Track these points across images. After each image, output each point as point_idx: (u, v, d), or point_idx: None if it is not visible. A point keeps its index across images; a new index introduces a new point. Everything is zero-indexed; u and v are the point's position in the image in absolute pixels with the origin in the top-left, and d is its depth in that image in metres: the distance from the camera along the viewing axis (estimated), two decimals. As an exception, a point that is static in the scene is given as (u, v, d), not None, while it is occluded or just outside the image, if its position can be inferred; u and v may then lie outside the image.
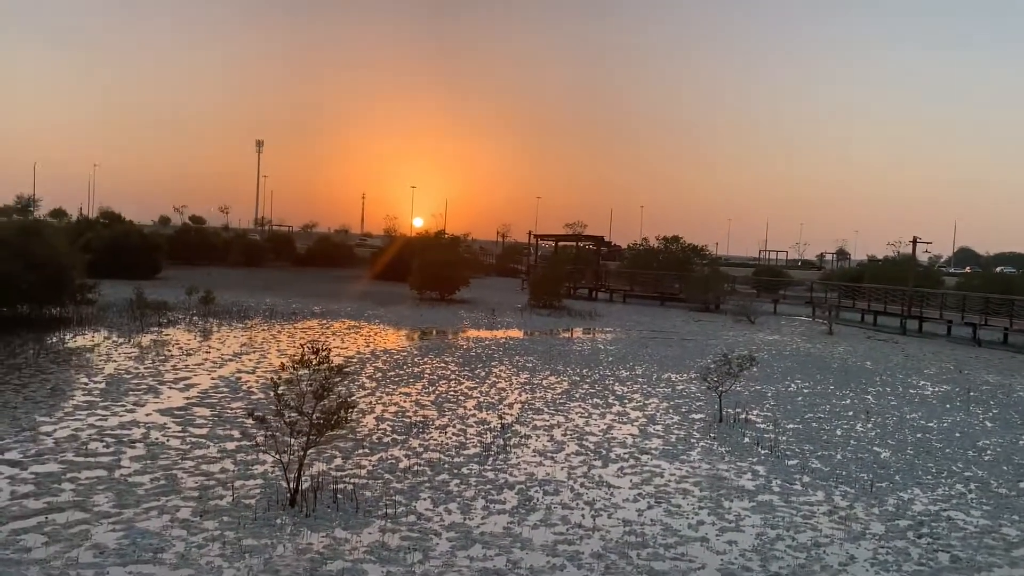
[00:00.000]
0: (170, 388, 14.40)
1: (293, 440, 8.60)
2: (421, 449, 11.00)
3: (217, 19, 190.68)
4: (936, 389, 19.32)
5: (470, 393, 15.44)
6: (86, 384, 14.29)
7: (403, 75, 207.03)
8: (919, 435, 13.75)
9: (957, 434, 14.05)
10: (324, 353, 8.45)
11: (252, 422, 9.06)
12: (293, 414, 8.29)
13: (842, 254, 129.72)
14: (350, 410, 8.60)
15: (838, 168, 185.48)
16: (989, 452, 12.77)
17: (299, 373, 8.47)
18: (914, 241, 41.58)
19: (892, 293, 40.87)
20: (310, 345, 8.64)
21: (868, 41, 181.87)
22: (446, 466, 10.21)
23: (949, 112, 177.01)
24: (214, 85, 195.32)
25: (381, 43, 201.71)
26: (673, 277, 49.55)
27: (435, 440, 11.57)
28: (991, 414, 16.30)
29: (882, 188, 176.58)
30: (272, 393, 8.53)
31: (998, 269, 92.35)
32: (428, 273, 39.90)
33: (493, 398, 15.08)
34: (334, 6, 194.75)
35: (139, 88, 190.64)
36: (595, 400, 15.43)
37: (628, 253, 64.98)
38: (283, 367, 8.55)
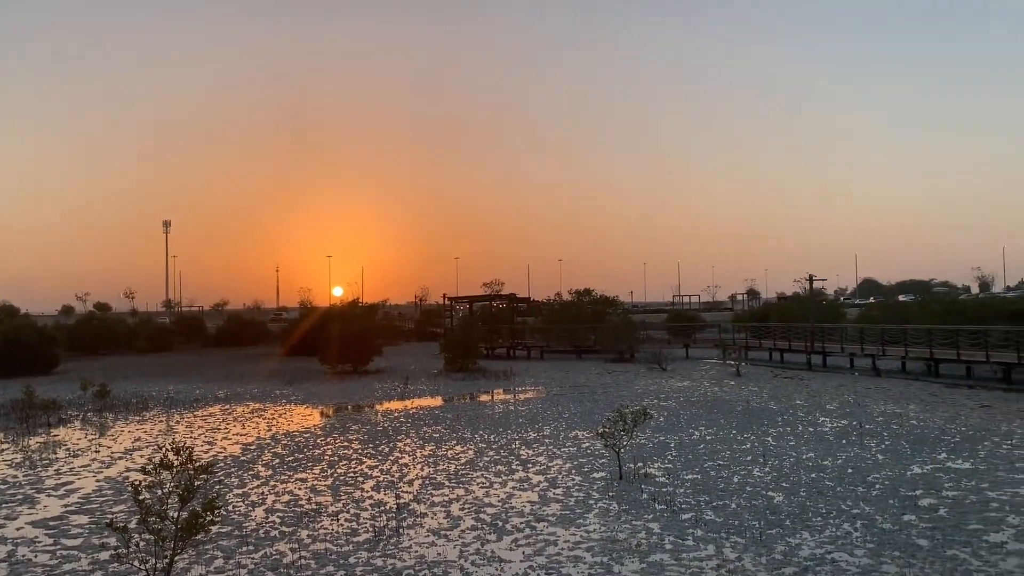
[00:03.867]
0: (48, 496, 13.65)
1: (160, 547, 8.18)
2: (309, 540, 10.62)
3: (113, 95, 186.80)
4: (834, 425, 19.84)
5: (370, 473, 15.09)
6: (-45, 500, 13.40)
7: (312, 141, 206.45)
8: (813, 475, 14.03)
9: (849, 470, 14.39)
10: (186, 453, 8.10)
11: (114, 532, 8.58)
12: (156, 520, 7.90)
13: (752, 294, 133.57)
14: (216, 511, 8.23)
15: (746, 207, 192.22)
16: (878, 486, 13.09)
17: (162, 475, 8.10)
18: (810, 278, 43.18)
19: (796, 330, 42.14)
20: (171, 445, 8.27)
21: (773, 76, 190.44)
22: (332, 557, 9.87)
23: (853, 143, 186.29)
24: (117, 164, 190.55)
25: (286, 109, 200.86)
26: (587, 329, 50.04)
27: (325, 529, 11.21)
28: (884, 446, 16.79)
29: (790, 224, 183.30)
30: (134, 500, 8.13)
31: (900, 297, 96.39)
32: (340, 345, 39.27)
33: (394, 475, 14.77)
34: (230, 75, 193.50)
35: (37, 170, 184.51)
36: (499, 467, 15.27)
37: (544, 309, 65.54)
38: (144, 471, 8.17)
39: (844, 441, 17.45)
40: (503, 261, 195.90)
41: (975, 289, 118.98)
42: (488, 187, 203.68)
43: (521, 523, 11.26)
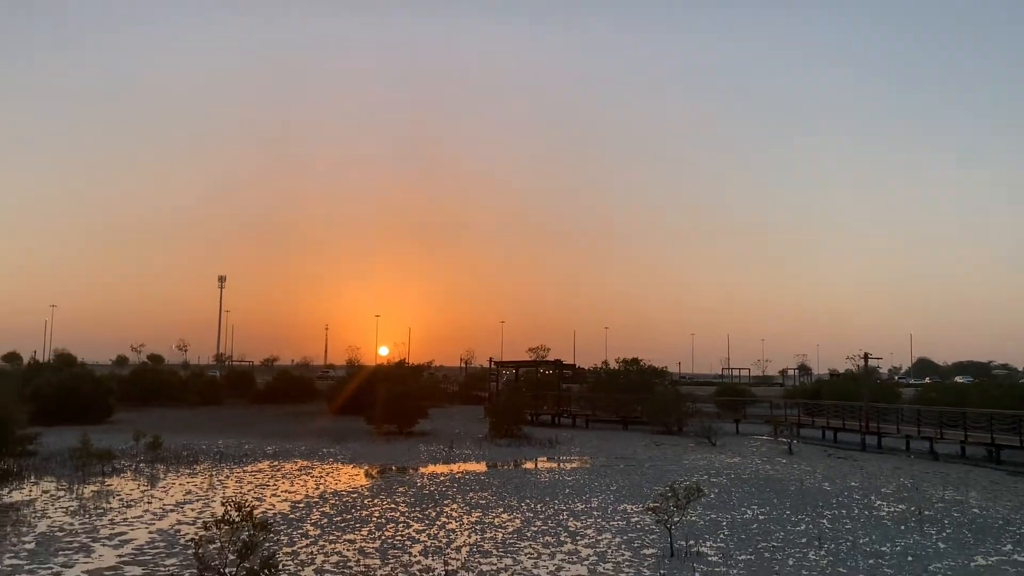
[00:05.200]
0: (103, 545, 13.84)
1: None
2: (358, 604, 10.61)
3: (164, 150, 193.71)
4: (892, 509, 19.24)
5: (417, 537, 15.04)
6: (14, 544, 13.69)
7: (366, 203, 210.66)
8: (871, 561, 13.60)
9: (909, 558, 13.92)
10: (247, 510, 8.23)
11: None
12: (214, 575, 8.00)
13: (803, 369, 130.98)
14: (274, 568, 8.31)
15: (799, 282, 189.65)
16: (940, 576, 12.65)
17: (222, 531, 8.23)
18: (865, 356, 42.31)
19: (850, 409, 41.17)
20: (233, 502, 8.42)
21: (820, 155, 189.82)
22: (382, 621, 9.83)
23: (910, 221, 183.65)
24: (175, 219, 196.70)
25: (339, 170, 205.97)
26: (634, 399, 49.52)
27: (374, 593, 11.17)
28: (944, 534, 16.21)
29: (843, 301, 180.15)
30: (194, 554, 8.26)
31: (957, 379, 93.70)
32: (386, 406, 39.47)
33: (441, 541, 14.69)
34: (289, 134, 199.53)
35: (96, 223, 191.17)
36: (547, 538, 15.10)
37: (590, 377, 65.14)
38: (205, 526, 8.31)
39: (903, 527, 16.89)
40: (549, 327, 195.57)
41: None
42: (536, 252, 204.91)
43: (571, 597, 11.09)
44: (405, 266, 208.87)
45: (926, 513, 18.61)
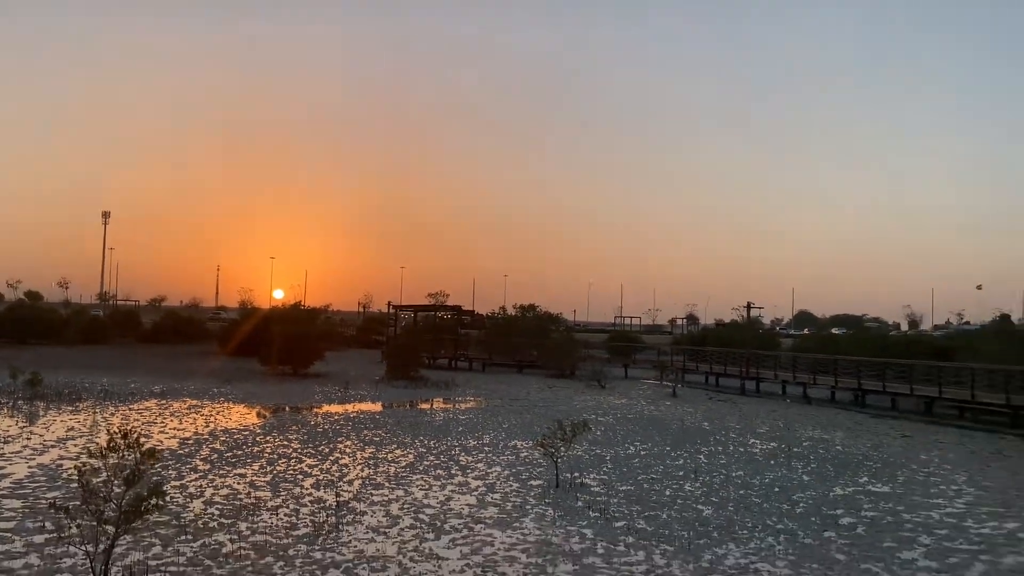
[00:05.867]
0: (-22, 480, 13.38)
1: (101, 530, 8.21)
2: (248, 532, 10.71)
3: (61, 83, 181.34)
4: (764, 447, 20.52)
5: (310, 471, 15.17)
6: None
7: (258, 141, 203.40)
8: (741, 492, 14.58)
9: (776, 489, 14.98)
10: (134, 437, 8.17)
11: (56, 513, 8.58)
12: (99, 502, 7.94)
13: (692, 319, 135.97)
14: (162, 496, 8.29)
15: (691, 236, 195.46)
16: (802, 505, 13.68)
17: (107, 459, 8.14)
18: (748, 307, 44.38)
19: (732, 356, 43.23)
20: (118, 429, 8.32)
21: (694, 96, 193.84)
22: (272, 548, 9.99)
23: (793, 182, 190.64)
24: (57, 150, 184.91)
25: (232, 106, 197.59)
26: (530, 345, 50.49)
27: (265, 522, 11.29)
28: (809, 468, 17.47)
29: (730, 254, 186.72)
30: (78, 480, 8.16)
31: (833, 330, 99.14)
32: (281, 347, 38.97)
33: (334, 475, 14.87)
34: (178, 70, 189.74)
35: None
36: (438, 472, 15.50)
37: (488, 322, 65.82)
38: (90, 453, 8.21)
39: (772, 462, 18.09)
40: (449, 273, 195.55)
41: (905, 326, 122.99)
42: (437, 196, 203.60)
43: (459, 524, 11.51)
44: (302, 208, 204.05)
45: (794, 450, 19.96)
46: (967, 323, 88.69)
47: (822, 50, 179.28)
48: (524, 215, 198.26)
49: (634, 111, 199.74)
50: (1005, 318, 67.11)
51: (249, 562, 9.39)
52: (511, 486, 14.34)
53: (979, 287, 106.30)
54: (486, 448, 18.60)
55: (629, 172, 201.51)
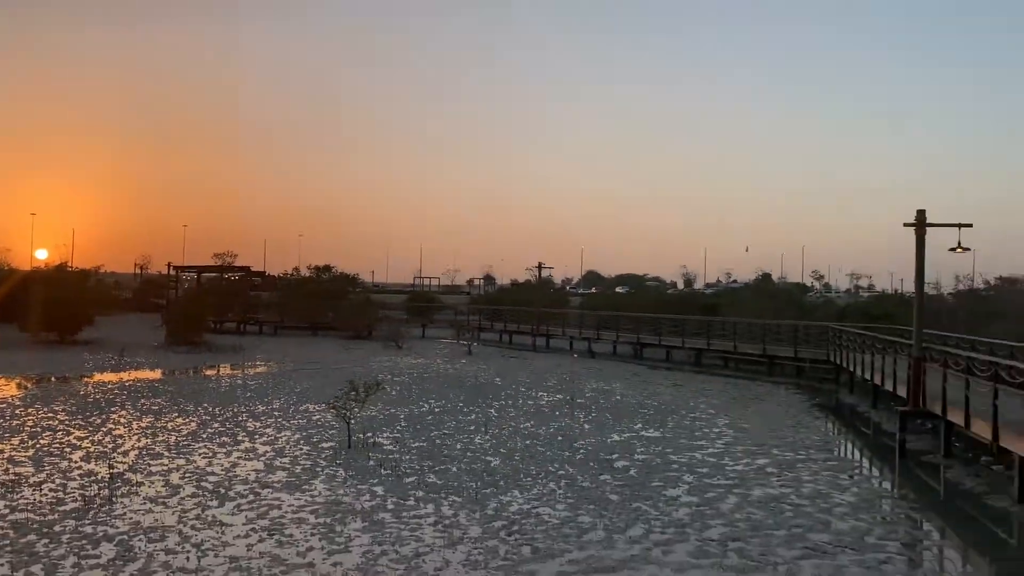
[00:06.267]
0: None
1: None
2: (7, 511, 9.84)
3: None
4: (551, 399, 21.56)
5: (79, 444, 14.12)
6: None
7: (18, 80, 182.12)
8: (528, 442, 15.27)
9: (559, 438, 15.82)
10: None
11: None
12: None
13: (488, 279, 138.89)
14: None
15: (490, 198, 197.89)
16: (581, 451, 14.55)
17: None
18: (539, 267, 46.08)
19: (524, 314, 44.80)
20: None
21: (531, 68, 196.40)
22: (35, 526, 9.24)
23: (587, 148, 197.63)
24: None
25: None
26: (325, 307, 49.52)
27: (26, 499, 10.42)
28: (591, 417, 18.58)
29: (525, 215, 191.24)
30: None
31: (617, 289, 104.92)
32: (44, 312, 35.62)
33: (107, 446, 13.94)
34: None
35: None
36: (223, 439, 14.94)
37: (281, 284, 63.70)
38: None
39: (558, 413, 19.07)
40: (238, 233, 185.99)
41: (681, 285, 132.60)
42: (225, 150, 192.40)
43: (245, 490, 11.21)
44: (70, 163, 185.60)
45: (578, 401, 21.13)
46: (735, 281, 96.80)
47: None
48: (320, 173, 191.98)
49: (452, 69, 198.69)
50: (766, 277, 74.14)
51: (8, 542, 8.65)
52: (301, 449, 14.13)
53: (747, 249, 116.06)
54: (276, 413, 18.16)
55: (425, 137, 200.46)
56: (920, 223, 16.56)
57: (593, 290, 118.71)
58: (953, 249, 17.25)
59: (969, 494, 12.58)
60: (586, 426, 17.39)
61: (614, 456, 14.22)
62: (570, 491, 11.62)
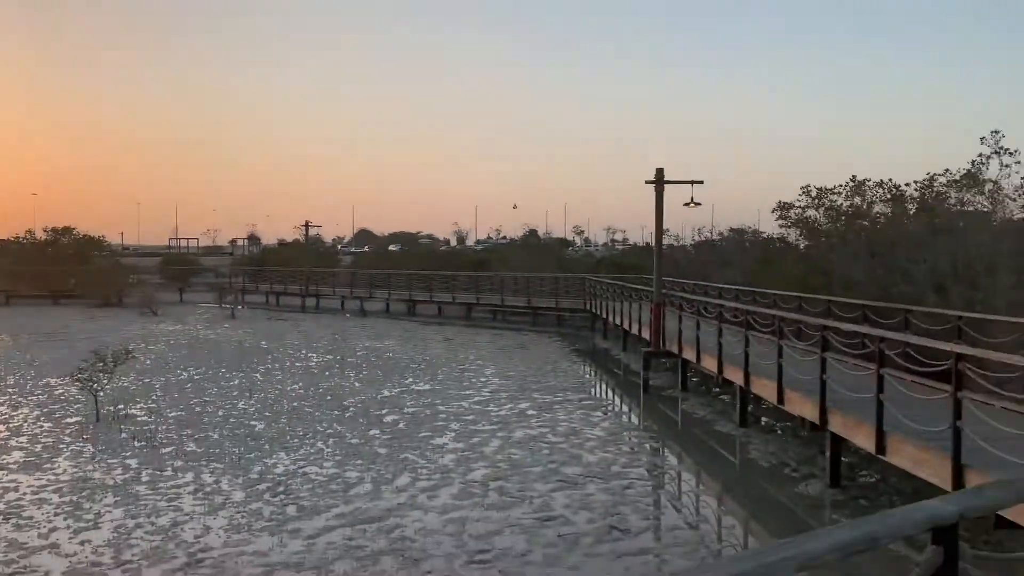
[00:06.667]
0: None
1: None
2: None
3: None
4: (321, 360, 21.31)
5: None
6: None
7: None
8: (295, 404, 15.05)
9: (329, 397, 15.74)
10: None
11: None
12: None
13: (253, 239, 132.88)
14: None
15: (249, 153, 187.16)
16: (351, 409, 14.60)
17: None
18: (306, 225, 44.94)
19: (292, 275, 43.59)
20: None
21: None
22: None
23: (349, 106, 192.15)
24: None
25: None
26: (67, 273, 45.17)
27: None
28: (362, 375, 18.62)
29: (292, 172, 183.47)
30: None
31: (391, 247, 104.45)
32: None
33: None
34: None
35: None
36: (-55, 421, 13.38)
37: (13, 248, 57.08)
38: None
39: (328, 373, 18.91)
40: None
41: (454, 242, 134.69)
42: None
43: (-27, 475, 10.18)
44: None
45: (348, 360, 21.06)
46: (504, 238, 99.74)
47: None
48: (58, 126, 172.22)
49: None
50: (533, 233, 77.11)
51: None
52: (42, 427, 13.00)
53: (515, 206, 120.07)
54: (10, 390, 16.51)
55: (178, 88, 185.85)
56: (659, 180, 18.05)
57: (366, 248, 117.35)
58: (687, 204, 18.97)
59: (701, 421, 14.13)
60: (356, 384, 17.42)
61: (384, 411, 14.41)
62: (338, 449, 11.66)
